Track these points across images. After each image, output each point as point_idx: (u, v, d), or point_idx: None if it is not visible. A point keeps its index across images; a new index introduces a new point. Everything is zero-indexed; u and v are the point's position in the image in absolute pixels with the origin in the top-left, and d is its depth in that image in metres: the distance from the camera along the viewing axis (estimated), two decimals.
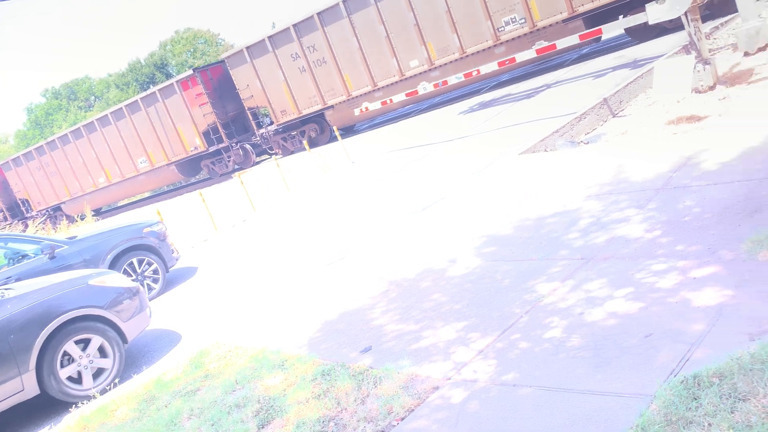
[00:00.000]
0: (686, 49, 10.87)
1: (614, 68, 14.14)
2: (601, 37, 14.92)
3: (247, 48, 23.09)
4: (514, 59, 14.62)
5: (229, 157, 26.41)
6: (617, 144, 8.70)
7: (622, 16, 15.25)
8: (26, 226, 30.68)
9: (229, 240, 12.90)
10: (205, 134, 25.98)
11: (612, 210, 6.15)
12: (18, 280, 8.53)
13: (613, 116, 10.74)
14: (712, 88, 8.96)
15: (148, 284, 10.17)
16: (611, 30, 12.89)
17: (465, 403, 3.91)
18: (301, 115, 23.04)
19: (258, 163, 26.64)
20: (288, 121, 23.56)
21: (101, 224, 24.72)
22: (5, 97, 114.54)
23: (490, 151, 10.91)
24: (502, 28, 17.76)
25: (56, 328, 6.36)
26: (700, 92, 9.02)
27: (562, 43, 13.64)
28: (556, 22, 16.77)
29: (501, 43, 17.92)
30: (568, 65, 17.99)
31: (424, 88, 16.40)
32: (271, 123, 24.57)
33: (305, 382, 4.89)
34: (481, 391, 3.97)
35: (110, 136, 28.75)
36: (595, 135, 10.17)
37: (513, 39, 17.64)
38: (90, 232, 10.80)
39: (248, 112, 24.74)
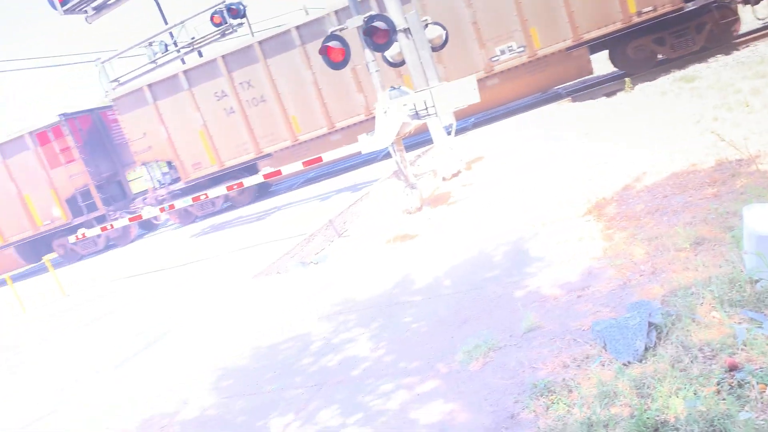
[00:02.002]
0: (396, 174, 12.12)
1: (338, 191, 15.15)
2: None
3: (149, 86, 19.01)
4: (207, 195, 14.71)
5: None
6: (343, 263, 9.10)
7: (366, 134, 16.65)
8: None
9: None
10: (70, 201, 20.95)
11: (341, 330, 6.27)
12: None
13: (339, 236, 11.33)
14: (419, 209, 10.01)
15: None
16: (252, 182, 13.82)
17: None
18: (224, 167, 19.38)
19: (141, 236, 22.74)
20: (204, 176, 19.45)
21: None
22: None
23: (223, 275, 10.63)
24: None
25: None
26: (410, 213, 10.00)
27: (287, 169, 14.26)
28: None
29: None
30: (296, 188, 18.88)
31: (149, 212, 15.70)
32: (174, 181, 20.43)
33: None
34: None
35: None
36: (323, 255, 10.56)
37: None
38: None
39: (143, 169, 21.27)
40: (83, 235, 16.80)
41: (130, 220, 16.17)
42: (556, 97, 17.62)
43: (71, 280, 17.07)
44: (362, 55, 11.10)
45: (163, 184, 20.36)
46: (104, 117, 21.84)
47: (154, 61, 20.22)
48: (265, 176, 13.51)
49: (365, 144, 9.87)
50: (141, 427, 5.68)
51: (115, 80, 21.10)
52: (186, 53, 20.47)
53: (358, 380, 5.05)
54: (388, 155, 15.84)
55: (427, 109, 9.44)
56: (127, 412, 6.15)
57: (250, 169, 18.80)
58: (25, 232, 21.01)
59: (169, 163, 20.07)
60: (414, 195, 9.93)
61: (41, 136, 19.95)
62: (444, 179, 11.29)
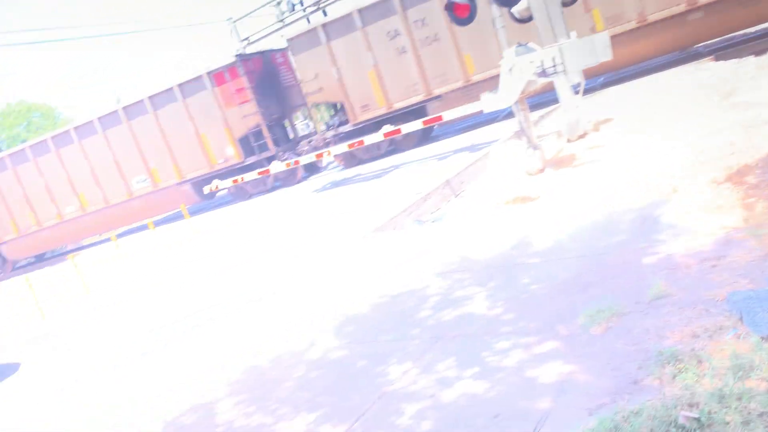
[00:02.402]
0: (518, 135, 11.85)
1: (455, 151, 15.07)
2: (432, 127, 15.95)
3: (323, 26, 19.00)
4: (362, 142, 15.11)
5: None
6: (460, 223, 9.11)
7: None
8: None
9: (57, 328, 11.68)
10: (242, 141, 21.46)
11: (457, 288, 6.32)
12: None
13: (456, 197, 11.33)
14: (541, 171, 9.76)
15: None
16: (409, 128, 13.74)
17: None
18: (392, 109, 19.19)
19: (306, 178, 22.45)
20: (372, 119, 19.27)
21: None
22: None
23: (343, 230, 10.98)
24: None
25: None
26: (531, 175, 9.78)
27: (406, 128, 14.35)
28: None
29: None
30: (368, 162, 18.99)
31: (276, 167, 16.41)
32: (342, 123, 20.11)
33: None
34: None
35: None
36: (440, 214, 10.62)
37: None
38: None
39: (310, 110, 22.20)
40: (216, 187, 17.87)
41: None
42: (696, 56, 16.37)
43: (202, 225, 18.29)
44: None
45: (330, 126, 19.94)
46: (273, 59, 21.80)
47: (281, 20, 20.78)
48: (425, 122, 13.64)
49: (488, 102, 9.71)
50: (272, 363, 6.08)
51: (245, 39, 21.96)
52: (311, 12, 20.82)
53: (475, 336, 5.10)
54: (510, 115, 15.49)
55: (555, 66, 9.10)
56: (260, 348, 6.58)
57: (418, 111, 17.85)
58: (200, 169, 21.74)
59: (334, 106, 19.87)
60: (536, 156, 9.69)
61: (218, 77, 20.26)
62: (569, 141, 10.91)
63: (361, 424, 4.36)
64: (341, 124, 19.55)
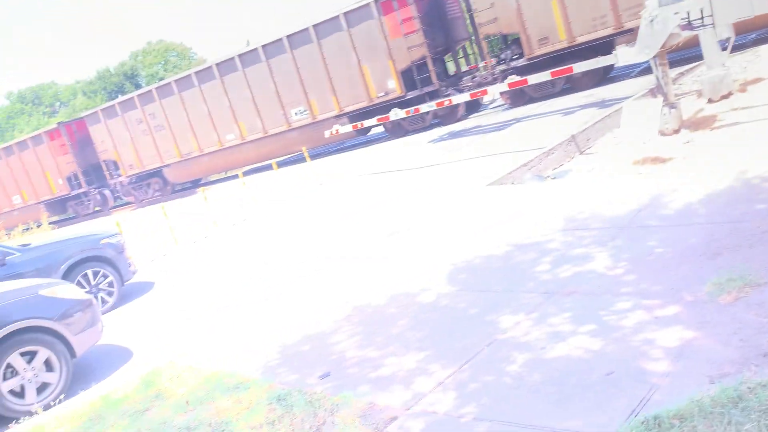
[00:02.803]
0: (653, 92, 11.16)
1: (583, 107, 14.43)
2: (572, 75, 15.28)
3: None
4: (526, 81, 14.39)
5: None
6: (583, 181, 8.82)
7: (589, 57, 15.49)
8: None
9: (189, 256, 12.63)
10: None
11: (576, 245, 6.18)
12: None
13: (581, 153, 10.92)
14: (677, 131, 9.18)
15: (102, 297, 9.85)
16: (582, 68, 13.19)
17: None
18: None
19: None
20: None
21: (57, 233, 24.18)
22: None
23: (459, 180, 10.95)
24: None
25: (1, 339, 6.08)
26: (665, 135, 9.23)
27: (533, 79, 13.88)
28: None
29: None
30: (538, 101, 18.30)
31: (396, 114, 16.47)
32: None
33: (259, 407, 4.74)
34: (439, 424, 3.89)
35: None
36: (562, 171, 10.31)
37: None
38: (44, 241, 10.47)
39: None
40: (336, 131, 18.14)
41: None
42: None
43: (325, 171, 18.84)
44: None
45: (503, 60, 18.30)
46: None
47: None
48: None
49: (624, 55, 9.18)
50: (389, 301, 6.29)
51: None
52: None
53: (593, 294, 5.00)
54: (644, 71, 14.56)
55: (702, 19, 8.41)
56: (378, 287, 6.82)
57: (603, 47, 16.01)
58: (359, 102, 20.80)
59: (504, 38, 18.62)
60: (673, 115, 9.11)
61: (386, 5, 19.17)
62: (710, 101, 10.13)
63: (470, 367, 4.45)
64: (514, 58, 18.28)
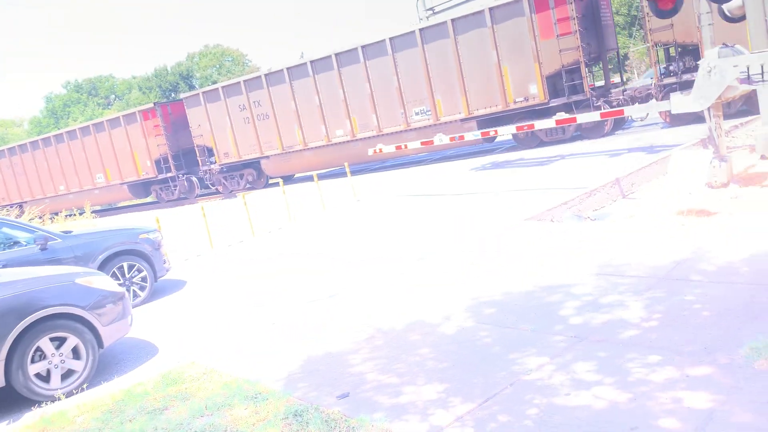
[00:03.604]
0: (704, 143, 10.96)
1: (630, 150, 14.24)
2: (624, 117, 15.03)
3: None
4: (533, 125, 14.73)
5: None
6: (624, 226, 8.67)
7: (654, 99, 15.04)
8: None
9: (224, 259, 12.80)
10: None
11: (610, 292, 6.07)
12: (5, 266, 8.42)
13: (623, 197, 10.76)
14: (725, 185, 8.98)
15: (134, 291, 10.04)
16: (634, 112, 13.03)
17: None
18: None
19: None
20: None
21: (99, 223, 24.78)
22: (24, 83, 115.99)
23: (496, 212, 10.89)
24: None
25: (33, 322, 6.24)
26: (713, 188, 9.04)
27: (581, 118, 13.77)
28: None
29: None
30: (586, 139, 18.12)
31: (440, 139, 16.51)
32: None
33: (276, 420, 4.74)
34: None
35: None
36: (602, 213, 10.17)
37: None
38: (86, 230, 10.74)
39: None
40: (380, 150, 18.25)
41: (422, 144, 17.18)
42: None
43: (369, 189, 18.96)
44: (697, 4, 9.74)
45: (672, 72, 16.88)
46: None
47: None
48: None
49: (678, 103, 9.05)
50: (407, 328, 6.26)
51: (430, 9, 22.03)
52: None
53: (622, 345, 4.89)
54: (698, 120, 14.30)
55: (763, 74, 8.26)
56: (397, 313, 6.80)
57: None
58: (492, 106, 19.22)
59: (666, 50, 17.12)
60: (723, 168, 8.92)
61: (540, 3, 17.72)
62: (762, 157, 9.90)
63: (490, 405, 4.38)
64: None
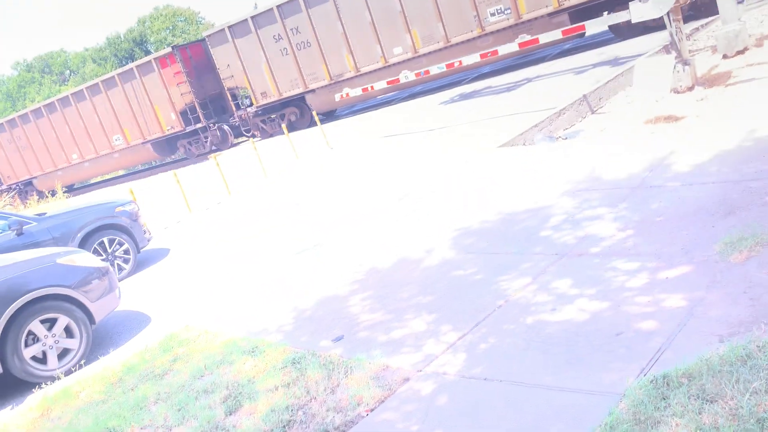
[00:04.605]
0: (666, 49, 10.95)
1: (595, 65, 14.21)
2: (584, 33, 14.98)
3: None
4: (496, 52, 14.60)
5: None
6: (595, 141, 8.75)
7: (606, 12, 15.09)
8: None
9: (203, 223, 12.74)
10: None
11: (586, 207, 6.17)
12: None
13: (592, 113, 10.81)
14: (690, 89, 9.04)
15: (118, 264, 10.00)
16: (595, 26, 12.92)
17: (434, 396, 3.90)
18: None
19: (236, 144, 25.34)
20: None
21: (72, 202, 24.28)
22: None
23: (469, 143, 10.90)
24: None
25: (21, 307, 6.22)
26: (678, 92, 9.10)
27: (545, 38, 13.64)
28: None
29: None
30: (549, 60, 18.02)
31: (406, 76, 16.33)
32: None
33: (275, 370, 4.84)
34: (450, 384, 3.96)
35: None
36: (573, 131, 10.22)
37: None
38: (60, 210, 10.60)
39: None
40: (347, 95, 18.00)
41: (388, 83, 16.80)
42: None
43: (336, 133, 18.78)
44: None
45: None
46: None
47: None
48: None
49: (637, 11, 8.99)
50: (393, 266, 6.35)
51: None
52: None
53: (600, 256, 5.02)
54: (658, 28, 14.24)
55: None
56: (384, 251, 6.87)
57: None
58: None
59: None
60: (686, 72, 8.96)
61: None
62: (725, 56, 9.94)
63: (480, 329, 4.51)
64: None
